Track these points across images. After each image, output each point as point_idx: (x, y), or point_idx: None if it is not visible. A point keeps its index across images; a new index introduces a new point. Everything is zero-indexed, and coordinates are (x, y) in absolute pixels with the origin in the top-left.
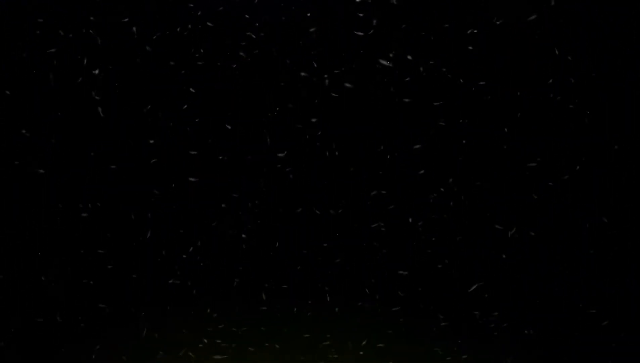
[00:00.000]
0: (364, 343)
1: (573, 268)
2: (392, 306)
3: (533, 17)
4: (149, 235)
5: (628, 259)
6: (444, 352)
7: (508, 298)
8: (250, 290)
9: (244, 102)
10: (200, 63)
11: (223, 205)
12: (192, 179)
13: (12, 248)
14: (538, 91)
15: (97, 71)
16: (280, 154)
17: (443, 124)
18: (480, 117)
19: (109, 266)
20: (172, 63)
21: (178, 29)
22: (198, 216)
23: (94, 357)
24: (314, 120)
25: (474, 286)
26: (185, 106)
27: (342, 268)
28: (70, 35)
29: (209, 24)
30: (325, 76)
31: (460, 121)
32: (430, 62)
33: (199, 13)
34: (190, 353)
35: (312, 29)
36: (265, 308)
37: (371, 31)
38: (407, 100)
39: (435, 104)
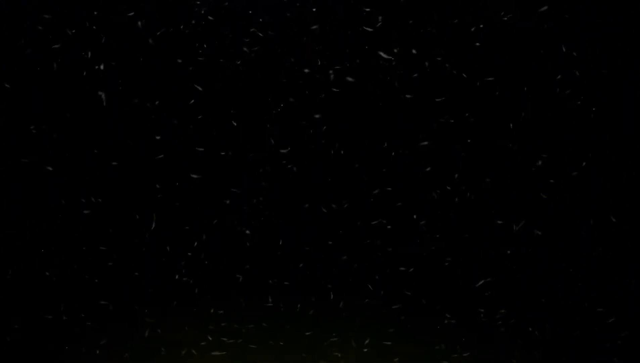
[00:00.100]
0: (367, 341)
1: (579, 266)
2: (396, 304)
3: (544, 8)
4: (153, 226)
5: (635, 257)
6: (447, 350)
7: (513, 297)
8: (254, 287)
9: (248, 99)
10: (203, 60)
11: (228, 201)
12: (194, 176)
13: (15, 247)
14: (544, 88)
15: (102, 67)
16: (283, 150)
17: (452, 121)
18: (485, 114)
19: (112, 264)
20: (175, 60)
21: (181, 27)
22: (201, 214)
23: (98, 352)
24: (317, 116)
25: (481, 282)
26: (189, 102)
27: (345, 265)
28: (74, 31)
29: (209, 17)
30: (331, 71)
31: (466, 114)
32: (438, 58)
33: (203, 11)
34: (193, 351)
35: (315, 27)
36: (268, 305)
37: (379, 24)
38: (412, 97)
39: (437, 100)
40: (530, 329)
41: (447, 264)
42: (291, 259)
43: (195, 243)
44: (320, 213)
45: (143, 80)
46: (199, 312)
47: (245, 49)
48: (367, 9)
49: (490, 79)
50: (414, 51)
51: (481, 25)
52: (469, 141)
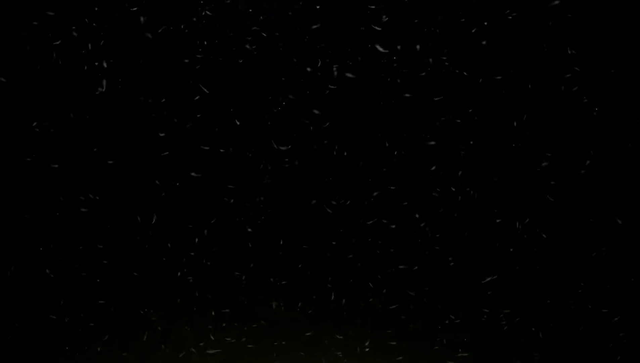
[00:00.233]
0: (367, 341)
1: (583, 267)
2: (398, 303)
3: (555, 2)
4: (154, 220)
5: (639, 258)
6: (450, 349)
7: (517, 297)
8: (255, 286)
9: (249, 97)
10: (204, 57)
11: (232, 200)
12: (193, 174)
13: (15, 246)
14: (549, 87)
15: (104, 64)
16: (282, 148)
17: (458, 121)
18: (490, 113)
19: (112, 264)
20: (176, 58)
21: (182, 26)
22: (202, 213)
23: (99, 349)
24: (316, 112)
25: (488, 279)
26: (192, 100)
27: (347, 264)
28: (74, 28)
29: (208, 12)
30: (334, 67)
31: (470, 111)
32: (443, 57)
33: (206, 10)
34: (193, 350)
35: (316, 26)
36: (269, 305)
37: (385, 20)
38: (416, 96)
39: (440, 99)
40: (533, 329)
41: (450, 264)
42: (292, 258)
43: (196, 239)
44: (323, 212)
45: (144, 78)
46: (199, 312)
47: (247, 47)
48: (372, 6)
49: (498, 78)
50: (417, 47)
51: (485, 23)
52: (471, 142)
